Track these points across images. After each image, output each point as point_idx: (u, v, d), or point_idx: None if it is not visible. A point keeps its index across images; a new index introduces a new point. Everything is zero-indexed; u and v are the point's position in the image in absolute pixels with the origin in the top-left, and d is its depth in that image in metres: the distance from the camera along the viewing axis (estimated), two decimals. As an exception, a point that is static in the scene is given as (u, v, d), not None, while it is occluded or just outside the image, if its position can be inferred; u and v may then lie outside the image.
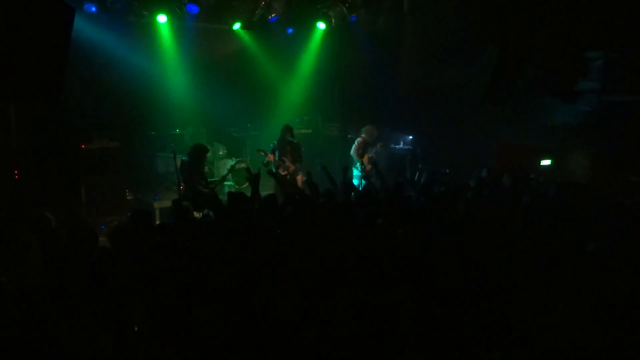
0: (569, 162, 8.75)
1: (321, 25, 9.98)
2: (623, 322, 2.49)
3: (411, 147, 9.14)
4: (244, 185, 9.05)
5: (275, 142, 7.93)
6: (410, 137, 9.75)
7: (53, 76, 6.29)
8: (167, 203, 7.61)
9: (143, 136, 9.01)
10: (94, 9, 8.11)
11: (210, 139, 9.32)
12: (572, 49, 8.19)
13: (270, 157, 7.73)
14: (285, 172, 7.87)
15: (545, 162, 8.68)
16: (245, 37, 9.77)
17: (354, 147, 8.45)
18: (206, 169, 7.16)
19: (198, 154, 6.80)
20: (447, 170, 8.57)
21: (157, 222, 7.50)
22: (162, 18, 8.73)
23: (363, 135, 8.43)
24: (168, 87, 9.22)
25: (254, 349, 2.49)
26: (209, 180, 7.09)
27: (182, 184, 6.71)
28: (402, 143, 9.51)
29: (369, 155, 8.25)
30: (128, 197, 8.37)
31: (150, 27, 8.89)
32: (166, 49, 9.11)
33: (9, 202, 6.75)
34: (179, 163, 6.79)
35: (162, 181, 8.62)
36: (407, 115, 9.69)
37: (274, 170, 7.59)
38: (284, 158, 7.86)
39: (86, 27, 7.89)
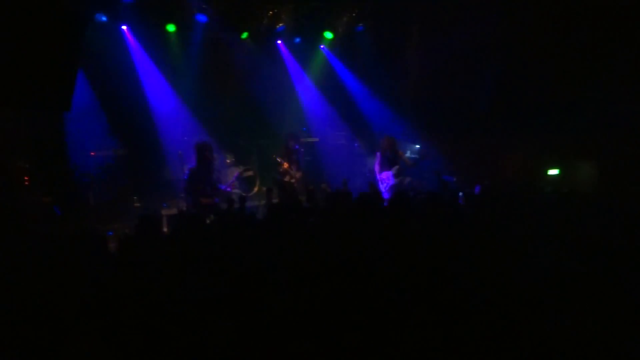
0: (576, 172, 8.68)
1: (328, 35, 10.03)
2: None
3: (418, 157, 9.12)
4: (251, 193, 9.14)
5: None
6: (418, 146, 9.76)
7: (64, 86, 6.38)
8: (175, 210, 7.62)
9: (151, 144, 9.05)
10: (104, 18, 8.26)
11: (218, 148, 9.36)
12: (577, 59, 8.19)
13: (286, 165, 7.83)
14: (292, 180, 7.97)
15: (553, 172, 8.62)
16: (253, 46, 9.82)
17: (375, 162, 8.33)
18: (214, 176, 7.19)
19: (204, 153, 6.76)
20: (454, 179, 8.60)
21: (165, 230, 7.60)
22: (171, 28, 8.84)
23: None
24: (176, 96, 9.28)
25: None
26: (216, 187, 7.09)
27: (186, 194, 6.73)
28: (409, 152, 9.50)
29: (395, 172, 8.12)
30: (135, 204, 8.39)
31: (159, 37, 8.97)
32: (175, 58, 9.18)
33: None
34: (185, 170, 6.79)
35: (170, 188, 8.64)
36: (414, 124, 9.70)
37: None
38: (291, 166, 7.98)
39: (96, 36, 8.00)
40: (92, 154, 8.23)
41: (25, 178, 7.53)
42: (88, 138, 8.27)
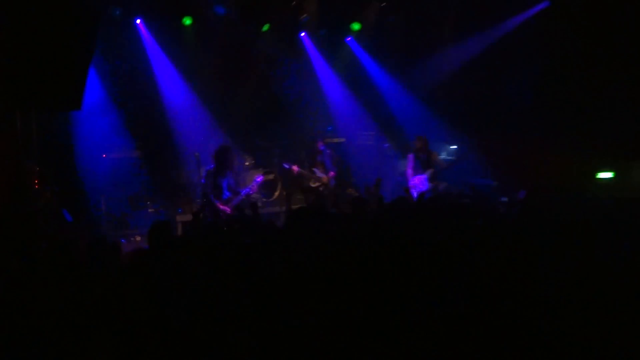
0: (632, 175, 8.01)
1: (355, 27, 9.56)
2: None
3: (455, 159, 8.55)
4: (272, 198, 8.76)
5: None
6: (455, 147, 9.20)
7: (75, 84, 6.03)
8: (190, 216, 7.29)
9: (166, 145, 8.75)
10: (118, 12, 7.95)
11: (237, 149, 8.98)
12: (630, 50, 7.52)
13: (295, 168, 7.46)
14: (317, 184, 7.56)
15: (605, 175, 7.91)
16: (275, 39, 9.34)
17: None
18: (234, 179, 6.87)
19: (223, 155, 6.51)
20: (493, 183, 8.17)
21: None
22: (187, 20, 8.47)
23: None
24: (192, 94, 8.93)
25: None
26: (235, 191, 6.73)
27: (202, 197, 6.48)
28: (444, 154, 8.96)
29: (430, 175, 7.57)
30: (150, 210, 8.16)
31: (176, 32, 8.64)
32: (192, 54, 8.81)
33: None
34: (202, 173, 6.48)
35: (185, 193, 8.38)
36: (449, 123, 9.16)
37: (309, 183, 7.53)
38: (314, 169, 7.51)
39: (109, 31, 7.68)
40: (104, 155, 8.06)
41: (36, 181, 7.34)
42: (100, 139, 8.08)
